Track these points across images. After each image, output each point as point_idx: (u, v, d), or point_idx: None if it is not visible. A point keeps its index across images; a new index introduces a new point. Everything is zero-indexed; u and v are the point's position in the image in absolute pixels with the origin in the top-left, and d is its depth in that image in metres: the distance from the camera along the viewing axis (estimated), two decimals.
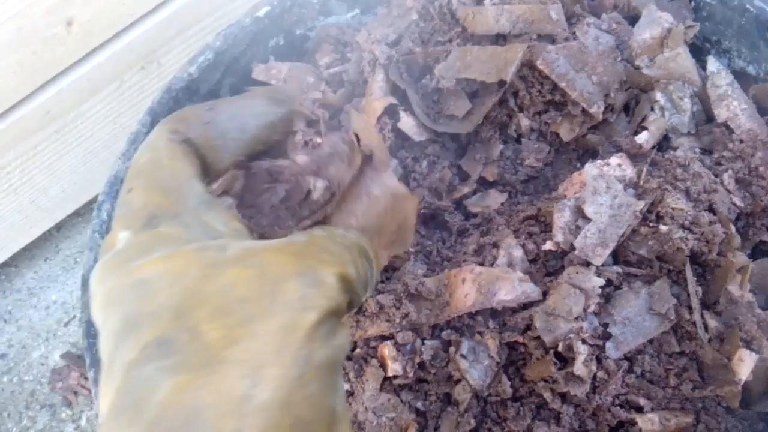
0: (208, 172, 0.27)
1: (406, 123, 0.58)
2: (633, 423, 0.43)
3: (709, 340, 0.44)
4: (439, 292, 0.48)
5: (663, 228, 0.45)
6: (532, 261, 0.48)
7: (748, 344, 0.43)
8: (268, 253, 0.22)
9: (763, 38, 0.56)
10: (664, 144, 0.55)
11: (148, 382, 0.19)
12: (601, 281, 0.44)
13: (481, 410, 0.46)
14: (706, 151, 0.53)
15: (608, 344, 0.44)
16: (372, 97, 0.60)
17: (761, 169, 0.50)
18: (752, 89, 0.55)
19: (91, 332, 0.55)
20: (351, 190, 0.29)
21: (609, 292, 0.45)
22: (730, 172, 0.50)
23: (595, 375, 0.43)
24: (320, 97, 0.65)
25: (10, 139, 0.74)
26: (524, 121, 0.57)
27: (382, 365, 0.47)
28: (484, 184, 0.59)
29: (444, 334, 0.47)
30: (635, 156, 0.51)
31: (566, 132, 0.56)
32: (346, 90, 0.64)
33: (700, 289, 0.45)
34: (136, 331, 0.20)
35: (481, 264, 0.48)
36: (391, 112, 0.58)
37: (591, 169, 0.48)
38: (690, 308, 0.44)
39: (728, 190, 0.49)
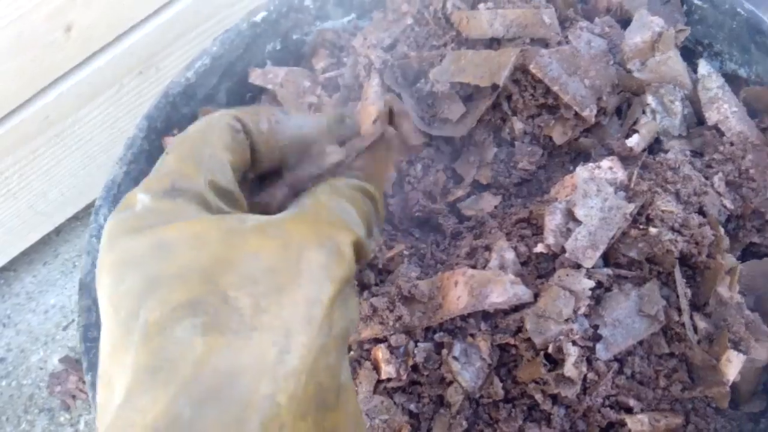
0: (253, 166, 0.28)
1: None
2: (623, 424, 0.44)
3: (699, 342, 0.44)
4: (432, 295, 0.49)
5: (653, 230, 0.45)
6: (524, 263, 0.48)
7: (736, 345, 0.43)
8: (288, 224, 0.23)
9: (754, 41, 0.57)
10: (655, 147, 0.55)
11: (182, 342, 0.19)
12: (591, 283, 0.45)
13: (473, 412, 0.47)
14: (697, 153, 0.54)
15: (598, 346, 0.44)
16: (367, 101, 0.60)
17: (751, 171, 0.51)
18: (743, 92, 0.56)
19: (88, 336, 0.55)
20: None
21: (599, 294, 0.46)
22: (720, 174, 0.50)
23: (585, 376, 0.44)
24: (316, 101, 0.65)
25: (9, 143, 0.74)
26: (517, 125, 0.58)
27: (376, 368, 0.48)
28: (478, 187, 0.59)
29: (436, 336, 0.48)
30: (626, 159, 0.52)
31: (559, 135, 0.56)
32: (341, 94, 0.64)
33: (689, 290, 0.46)
34: (161, 291, 0.20)
35: (474, 267, 0.49)
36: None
37: (582, 172, 0.49)
38: (679, 310, 0.45)
39: (719, 193, 0.50)
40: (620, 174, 0.50)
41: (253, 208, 0.28)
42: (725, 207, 0.49)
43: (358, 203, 0.26)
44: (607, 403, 0.44)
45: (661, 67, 0.55)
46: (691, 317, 0.45)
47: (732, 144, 0.52)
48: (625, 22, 0.60)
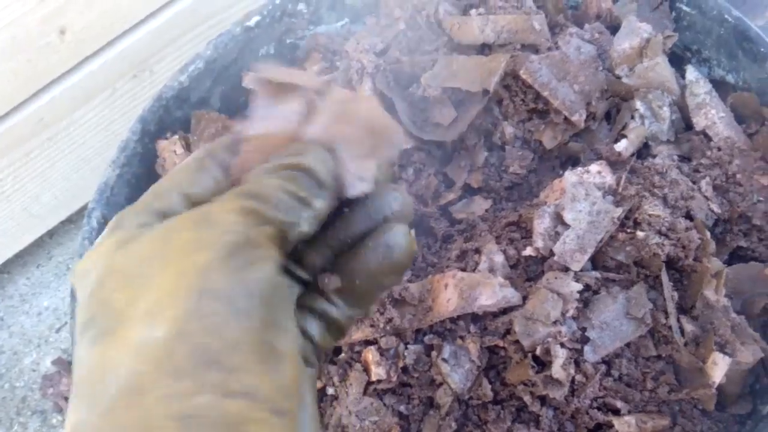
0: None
1: None
2: (610, 425, 0.44)
3: (685, 344, 0.45)
4: (422, 298, 0.49)
5: (640, 234, 0.46)
6: (513, 266, 0.49)
7: (722, 348, 0.43)
8: (177, 218, 0.23)
9: (741, 48, 0.57)
10: (643, 151, 0.56)
11: (84, 358, 0.21)
12: (579, 286, 0.45)
13: (462, 413, 0.47)
14: (685, 158, 0.55)
15: (586, 348, 0.45)
16: None
17: (738, 176, 0.51)
18: (730, 98, 0.57)
19: None
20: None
21: (587, 297, 0.46)
22: (707, 179, 0.51)
23: (573, 378, 0.44)
24: None
25: (3, 146, 0.75)
26: (508, 129, 0.58)
27: (366, 370, 0.48)
28: (469, 190, 0.60)
29: (426, 338, 0.48)
30: (615, 163, 0.52)
31: (549, 140, 0.57)
32: None
33: (676, 293, 0.46)
34: (78, 316, 0.22)
35: (464, 269, 0.49)
36: None
37: (571, 176, 0.49)
38: (666, 313, 0.45)
39: (706, 197, 0.50)
40: (609, 178, 0.50)
41: None
42: (712, 211, 0.50)
43: (272, 180, 0.24)
44: (594, 404, 0.45)
45: (649, 73, 0.56)
46: (678, 320, 0.45)
47: (719, 149, 0.53)
48: (614, 28, 0.61)
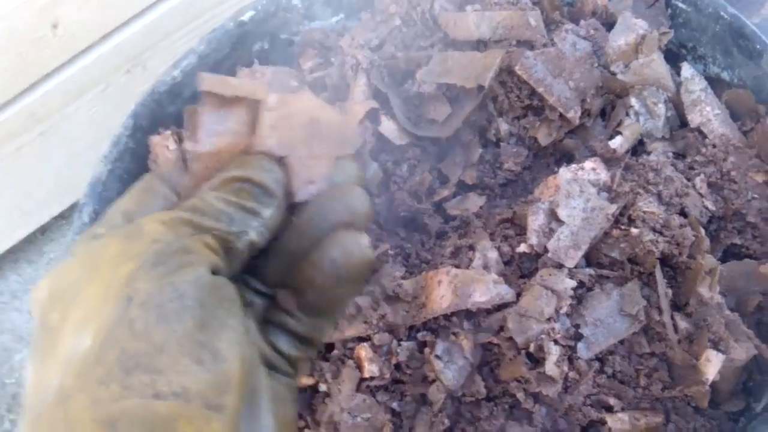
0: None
1: (388, 127, 0.59)
2: (604, 422, 0.44)
3: (679, 341, 0.45)
4: (416, 294, 0.49)
5: (634, 231, 0.46)
6: (507, 263, 0.49)
7: (716, 345, 0.43)
8: (109, 233, 0.24)
9: (737, 45, 0.57)
10: (638, 148, 0.56)
11: (26, 383, 0.22)
12: (573, 283, 0.45)
13: (455, 410, 0.47)
14: (680, 155, 0.54)
15: (580, 345, 0.44)
16: (354, 101, 0.61)
17: (733, 173, 0.51)
18: (725, 95, 0.56)
19: None
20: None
21: (581, 294, 0.46)
22: (702, 176, 0.51)
23: (566, 375, 0.44)
24: None
25: None
26: (503, 126, 0.58)
27: (359, 366, 0.48)
28: (463, 187, 0.59)
29: (420, 335, 0.48)
30: (609, 160, 0.52)
31: (544, 136, 0.57)
32: (328, 94, 0.64)
33: (670, 290, 0.46)
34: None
35: (458, 266, 0.49)
36: (372, 116, 0.58)
37: (565, 173, 0.49)
38: (660, 309, 0.45)
39: (700, 194, 0.50)
40: (603, 175, 0.50)
41: None
42: (707, 208, 0.50)
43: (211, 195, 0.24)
44: (588, 401, 0.45)
45: (644, 70, 0.56)
46: (672, 317, 0.45)
47: (714, 146, 0.53)
48: (610, 24, 0.61)
